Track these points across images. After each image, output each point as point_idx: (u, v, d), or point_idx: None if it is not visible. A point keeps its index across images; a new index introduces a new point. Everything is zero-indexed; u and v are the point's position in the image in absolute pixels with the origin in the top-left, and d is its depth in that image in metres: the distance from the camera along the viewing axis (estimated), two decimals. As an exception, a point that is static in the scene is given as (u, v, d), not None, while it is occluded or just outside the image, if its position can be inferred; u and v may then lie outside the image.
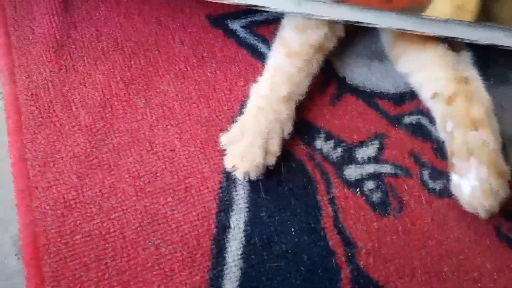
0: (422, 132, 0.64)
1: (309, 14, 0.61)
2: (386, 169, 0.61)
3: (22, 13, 0.71)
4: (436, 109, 0.64)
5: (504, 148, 0.61)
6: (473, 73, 0.64)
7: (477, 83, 0.63)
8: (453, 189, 0.58)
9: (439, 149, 0.62)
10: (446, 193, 0.59)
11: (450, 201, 0.59)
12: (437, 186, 0.60)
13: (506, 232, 0.58)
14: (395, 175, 0.61)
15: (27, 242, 0.54)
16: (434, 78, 0.64)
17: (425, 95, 0.65)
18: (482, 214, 0.56)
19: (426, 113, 0.65)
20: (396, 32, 0.66)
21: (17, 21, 0.70)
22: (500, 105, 0.66)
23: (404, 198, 0.59)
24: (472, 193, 0.56)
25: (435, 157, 0.62)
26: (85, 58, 0.67)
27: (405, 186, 0.60)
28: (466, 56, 0.65)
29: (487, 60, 0.68)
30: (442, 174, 0.61)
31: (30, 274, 0.52)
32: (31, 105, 0.62)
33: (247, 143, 0.58)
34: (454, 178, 0.58)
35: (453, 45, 0.65)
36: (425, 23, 0.59)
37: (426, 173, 0.61)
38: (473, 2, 0.59)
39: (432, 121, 0.64)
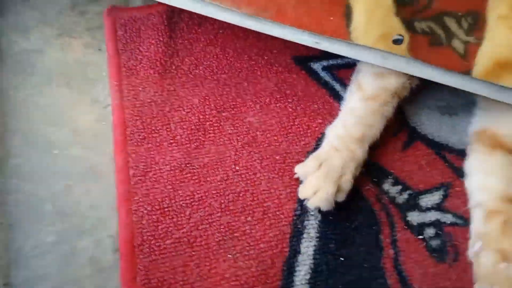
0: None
1: (394, 68, 0.67)
2: (447, 217, 0.66)
3: (132, 35, 0.81)
4: (474, 220, 0.63)
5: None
6: None
7: None
8: None
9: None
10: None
11: None
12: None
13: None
14: (455, 224, 0.66)
15: (125, 241, 0.62)
16: (484, 186, 0.64)
17: (471, 200, 0.65)
18: None
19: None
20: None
21: (128, 43, 0.80)
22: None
23: (460, 248, 0.64)
24: None
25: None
26: (185, 83, 0.76)
27: (462, 236, 0.64)
28: None
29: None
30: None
31: (125, 269, 0.60)
32: (136, 120, 0.72)
33: (321, 176, 0.65)
34: None
35: None
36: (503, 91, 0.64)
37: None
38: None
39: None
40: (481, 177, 0.65)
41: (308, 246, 0.63)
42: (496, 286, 0.57)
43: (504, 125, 0.67)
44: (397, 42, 0.61)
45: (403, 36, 0.61)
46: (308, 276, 0.61)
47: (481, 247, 0.60)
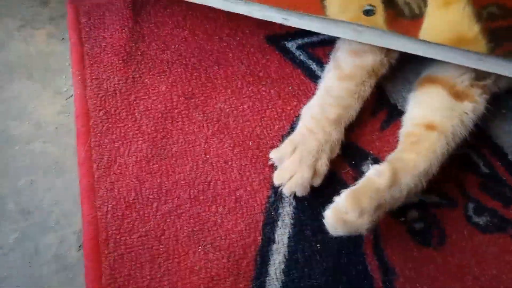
0: (471, 165, 0.65)
1: (368, 43, 0.63)
2: (431, 198, 0.62)
3: (96, 22, 0.77)
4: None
5: None
6: (448, 123, 0.62)
7: (442, 135, 0.61)
8: None
9: (485, 184, 0.63)
10: (488, 229, 0.60)
11: (491, 237, 0.60)
12: (481, 221, 0.61)
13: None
14: (440, 205, 0.62)
15: (89, 237, 0.59)
16: (409, 116, 0.65)
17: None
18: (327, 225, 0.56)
19: (474, 147, 0.66)
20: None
21: (91, 30, 0.76)
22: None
23: (446, 230, 0.61)
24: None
25: (481, 192, 0.63)
26: (151, 70, 0.72)
27: (448, 218, 0.61)
28: (464, 107, 0.64)
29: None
30: (486, 209, 0.61)
31: (89, 267, 0.57)
32: (100, 111, 0.68)
33: (296, 161, 0.61)
34: None
35: (460, 94, 0.65)
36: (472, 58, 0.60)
37: (471, 206, 0.62)
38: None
39: (479, 156, 0.65)
40: (410, 110, 0.66)
41: (282, 234, 0.59)
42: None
43: (439, 69, 0.67)
44: (368, 13, 0.57)
45: (374, 7, 0.57)
46: (282, 266, 0.57)
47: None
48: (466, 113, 0.64)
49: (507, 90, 0.70)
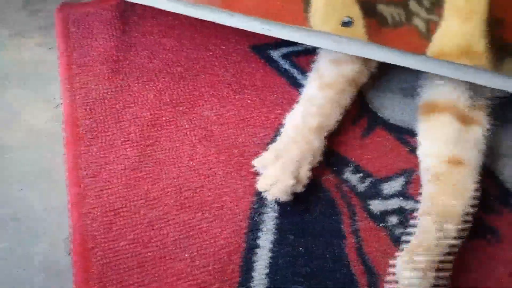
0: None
1: (348, 53, 0.65)
2: (410, 204, 0.64)
3: (84, 31, 0.79)
4: (423, 185, 0.64)
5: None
6: (471, 155, 0.63)
7: (469, 169, 0.62)
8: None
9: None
10: (470, 235, 0.62)
11: (476, 243, 0.62)
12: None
13: None
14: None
15: (77, 244, 0.60)
16: (429, 152, 0.65)
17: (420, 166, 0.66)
18: None
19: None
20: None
21: (80, 39, 0.78)
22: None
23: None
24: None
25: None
26: (139, 78, 0.73)
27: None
28: (475, 132, 0.65)
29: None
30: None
31: (78, 273, 0.58)
32: (88, 119, 0.69)
33: (279, 168, 0.63)
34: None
35: (466, 118, 0.65)
36: (455, 68, 0.62)
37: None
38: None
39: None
40: (424, 143, 0.66)
41: (266, 240, 0.61)
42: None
43: (439, 92, 0.68)
44: (346, 24, 0.59)
45: (352, 18, 0.59)
46: (266, 271, 0.59)
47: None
48: (479, 139, 0.65)
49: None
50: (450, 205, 0.59)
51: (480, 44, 0.58)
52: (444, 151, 0.63)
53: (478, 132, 0.65)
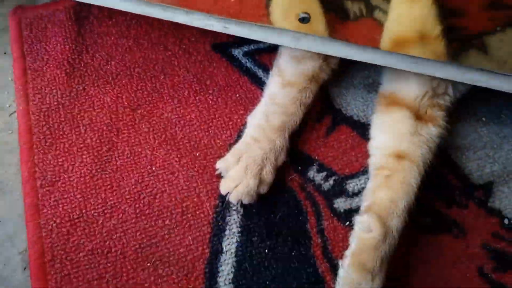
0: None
1: (307, 49, 0.63)
2: (375, 201, 0.64)
3: (38, 34, 0.75)
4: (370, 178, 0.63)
5: (491, 187, 0.64)
6: (417, 151, 0.62)
7: (413, 165, 0.61)
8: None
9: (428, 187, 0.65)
10: (434, 230, 0.62)
11: (441, 237, 0.62)
12: (425, 222, 0.62)
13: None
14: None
15: (34, 257, 0.58)
16: (377, 145, 0.65)
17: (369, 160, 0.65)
18: None
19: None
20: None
21: (33, 43, 0.74)
22: (491, 142, 0.69)
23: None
24: (340, 283, 0.56)
25: (424, 192, 0.64)
26: (95, 81, 0.71)
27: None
28: (430, 132, 0.64)
29: (481, 99, 0.71)
30: (430, 211, 0.63)
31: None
32: (43, 126, 0.66)
33: (242, 170, 0.61)
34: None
35: (423, 116, 0.65)
36: (414, 62, 0.61)
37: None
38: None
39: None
40: (376, 136, 0.66)
41: (230, 244, 0.60)
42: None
43: (401, 87, 0.66)
44: (303, 20, 0.58)
45: (308, 14, 0.57)
46: (232, 276, 0.58)
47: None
48: (432, 139, 0.64)
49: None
50: (391, 200, 0.59)
51: (434, 30, 0.56)
52: (392, 145, 0.63)
53: (432, 131, 0.64)
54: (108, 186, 0.62)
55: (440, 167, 0.66)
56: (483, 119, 0.71)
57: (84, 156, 0.64)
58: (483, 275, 0.59)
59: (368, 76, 0.74)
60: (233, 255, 0.59)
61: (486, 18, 0.56)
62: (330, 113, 0.70)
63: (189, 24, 0.63)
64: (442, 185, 0.65)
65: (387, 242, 0.56)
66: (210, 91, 0.72)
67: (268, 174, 0.62)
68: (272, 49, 0.75)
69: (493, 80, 0.60)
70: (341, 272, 0.55)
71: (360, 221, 0.57)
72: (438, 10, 0.55)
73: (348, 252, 0.56)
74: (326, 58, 0.67)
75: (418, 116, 0.64)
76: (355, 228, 0.57)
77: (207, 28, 0.63)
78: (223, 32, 0.63)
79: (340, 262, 0.57)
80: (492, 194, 0.64)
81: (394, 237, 0.56)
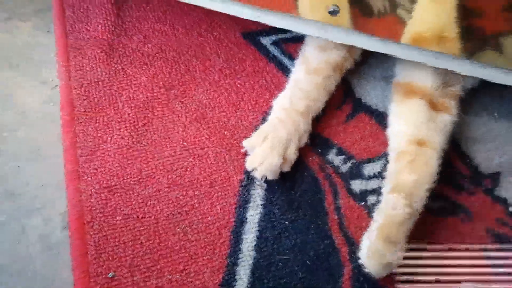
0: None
1: (333, 40, 0.68)
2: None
3: (80, 16, 0.81)
4: (390, 162, 0.67)
5: (498, 177, 0.69)
6: (436, 139, 0.67)
7: (432, 151, 0.65)
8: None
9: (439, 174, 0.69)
10: (443, 213, 0.67)
11: (449, 220, 0.66)
12: (435, 205, 0.67)
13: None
14: (397, 190, 0.68)
15: (74, 218, 0.63)
16: (397, 132, 0.69)
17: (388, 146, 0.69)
18: (371, 272, 0.60)
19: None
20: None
21: (75, 23, 0.80)
22: (500, 136, 0.73)
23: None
24: (365, 252, 0.60)
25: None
26: (133, 62, 0.76)
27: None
28: (444, 119, 0.69)
29: (495, 95, 0.75)
30: (440, 196, 0.68)
31: (75, 245, 0.61)
32: (83, 100, 0.72)
33: (267, 148, 0.66)
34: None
35: (437, 105, 0.69)
36: (435, 57, 0.66)
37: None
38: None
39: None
40: (396, 123, 0.70)
41: (253, 215, 0.65)
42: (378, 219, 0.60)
43: (415, 76, 0.71)
44: (333, 12, 0.62)
45: (338, 7, 0.62)
46: (254, 243, 0.63)
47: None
48: (446, 126, 0.68)
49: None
50: (416, 182, 0.63)
51: (453, 31, 0.61)
52: (412, 132, 0.67)
53: (446, 119, 0.69)
54: (144, 158, 0.68)
55: (451, 156, 0.71)
56: (495, 114, 0.76)
57: (121, 129, 0.70)
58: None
59: (387, 69, 0.78)
60: (256, 224, 0.64)
61: (502, 20, 0.61)
62: (351, 101, 0.75)
63: (224, 11, 0.68)
64: (453, 172, 0.70)
65: (411, 219, 0.60)
66: (239, 76, 0.77)
67: (291, 154, 0.67)
68: (299, 39, 0.80)
69: (509, 77, 0.65)
70: (365, 243, 0.60)
71: (388, 199, 0.62)
72: (458, 12, 0.60)
73: (373, 227, 0.61)
74: (350, 49, 0.71)
75: (433, 105, 0.69)
76: (382, 205, 0.62)
77: (241, 16, 0.68)
78: (255, 20, 0.68)
79: (365, 234, 0.61)
80: (499, 183, 0.69)
81: (416, 216, 0.61)
